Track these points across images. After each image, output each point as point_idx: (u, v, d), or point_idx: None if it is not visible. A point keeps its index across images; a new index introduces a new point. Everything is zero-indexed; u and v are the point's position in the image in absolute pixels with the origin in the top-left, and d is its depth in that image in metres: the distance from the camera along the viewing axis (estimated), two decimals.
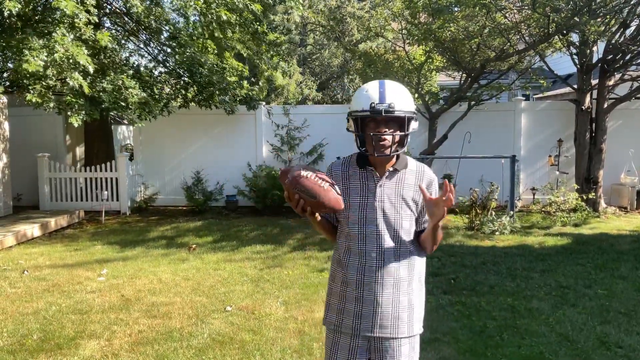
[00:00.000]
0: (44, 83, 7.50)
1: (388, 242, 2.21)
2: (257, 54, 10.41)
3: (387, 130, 2.14)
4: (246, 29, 9.63)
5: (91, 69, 7.42)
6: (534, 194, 10.38)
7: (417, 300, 2.30)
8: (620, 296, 5.34)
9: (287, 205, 10.77)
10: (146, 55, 11.09)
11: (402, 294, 2.23)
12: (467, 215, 9.04)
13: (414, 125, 2.19)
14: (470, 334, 4.45)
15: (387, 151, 2.16)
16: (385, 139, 2.15)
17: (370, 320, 2.21)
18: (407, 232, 2.24)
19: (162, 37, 10.00)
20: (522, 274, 6.17)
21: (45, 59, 6.93)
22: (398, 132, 2.16)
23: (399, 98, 2.14)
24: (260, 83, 10.90)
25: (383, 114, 2.10)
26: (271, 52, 10.61)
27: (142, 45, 10.83)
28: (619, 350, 4.09)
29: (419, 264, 2.30)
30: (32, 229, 8.60)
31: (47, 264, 6.91)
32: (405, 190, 2.24)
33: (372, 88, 2.17)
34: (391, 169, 2.25)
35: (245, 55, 10.53)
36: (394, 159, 2.26)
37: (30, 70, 6.76)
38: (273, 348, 4.22)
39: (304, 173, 2.07)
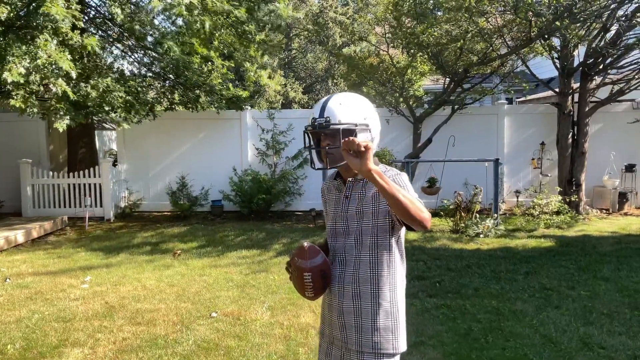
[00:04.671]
0: (27, 89, 7.43)
1: (350, 252, 2.18)
2: (244, 54, 10.28)
3: (330, 144, 2.11)
4: (235, 31, 9.56)
5: (74, 74, 7.36)
6: (517, 197, 10.47)
7: (389, 315, 2.15)
8: (603, 297, 5.41)
9: (272, 210, 10.79)
10: (131, 60, 11.00)
11: (364, 305, 2.14)
12: (451, 219, 9.10)
13: (364, 136, 2.11)
14: (456, 336, 4.48)
15: (333, 164, 2.14)
16: (331, 152, 2.11)
17: (337, 330, 2.21)
18: (370, 242, 2.14)
19: (146, 42, 9.92)
20: (506, 276, 6.23)
21: (28, 65, 6.85)
22: (332, 146, 2.10)
23: (340, 111, 2.08)
24: (246, 84, 10.82)
25: (317, 129, 2.11)
26: (260, 51, 10.41)
27: (126, 50, 10.74)
28: (602, 351, 4.14)
29: (389, 275, 2.15)
30: (15, 236, 8.48)
31: (29, 272, 6.82)
32: (366, 199, 2.15)
33: (319, 102, 2.15)
34: (351, 179, 2.20)
35: (233, 56, 10.42)
36: None
37: (10, 81, 6.68)
38: (259, 354, 4.20)
39: (302, 263, 2.17)
